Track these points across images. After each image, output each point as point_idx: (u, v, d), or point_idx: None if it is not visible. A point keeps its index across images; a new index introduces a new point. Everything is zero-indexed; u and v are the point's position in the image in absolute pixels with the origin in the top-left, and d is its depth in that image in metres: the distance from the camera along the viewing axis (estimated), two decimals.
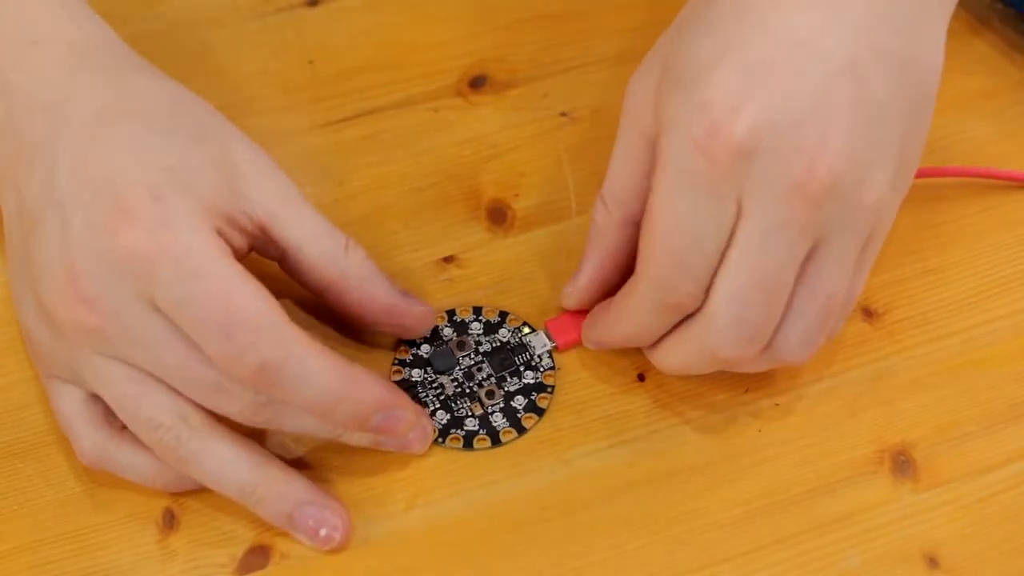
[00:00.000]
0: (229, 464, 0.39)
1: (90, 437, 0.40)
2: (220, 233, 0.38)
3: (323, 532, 0.40)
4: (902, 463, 0.42)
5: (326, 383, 0.38)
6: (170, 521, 0.41)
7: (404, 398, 0.40)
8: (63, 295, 0.38)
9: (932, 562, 0.40)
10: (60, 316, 0.38)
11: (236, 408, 0.39)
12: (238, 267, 0.38)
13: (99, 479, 0.41)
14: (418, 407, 0.41)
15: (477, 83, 0.51)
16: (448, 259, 0.47)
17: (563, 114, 0.50)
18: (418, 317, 0.43)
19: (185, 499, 0.41)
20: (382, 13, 0.53)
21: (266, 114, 0.50)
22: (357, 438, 0.41)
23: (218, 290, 0.37)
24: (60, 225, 0.38)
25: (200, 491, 0.41)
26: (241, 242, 0.40)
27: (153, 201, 0.38)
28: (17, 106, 0.41)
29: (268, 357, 0.37)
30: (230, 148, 0.41)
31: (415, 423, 0.40)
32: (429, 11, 0.53)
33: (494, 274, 0.46)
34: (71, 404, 0.40)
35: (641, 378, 0.44)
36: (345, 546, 0.40)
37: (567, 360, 0.44)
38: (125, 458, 0.40)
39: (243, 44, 0.52)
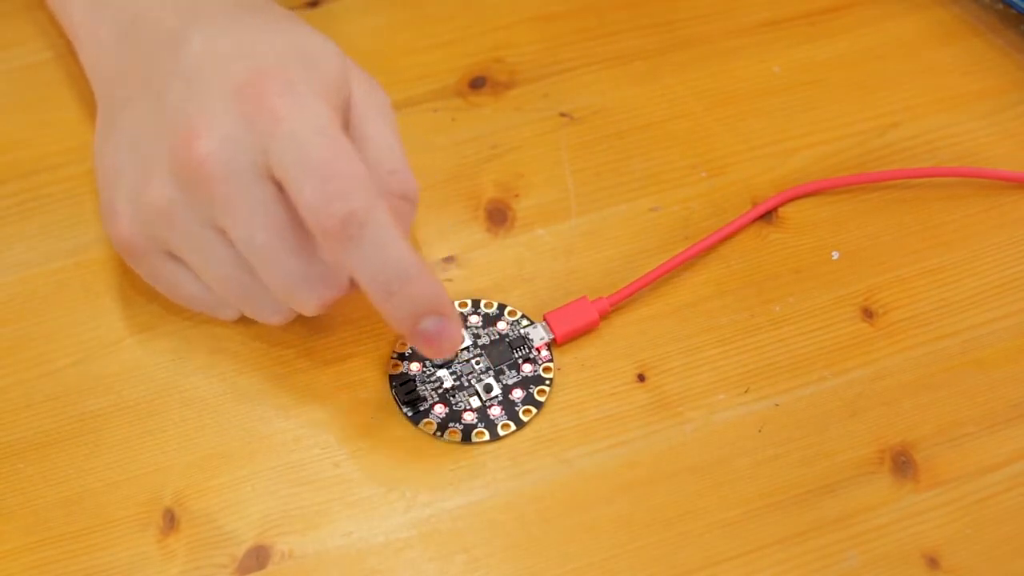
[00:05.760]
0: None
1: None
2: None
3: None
4: (902, 463, 0.42)
5: (401, 254, 0.38)
6: (170, 521, 0.41)
7: (456, 313, 0.40)
8: (183, 149, 0.39)
9: (932, 562, 0.40)
10: (179, 168, 0.39)
11: (311, 300, 0.40)
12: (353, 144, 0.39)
13: (99, 479, 0.42)
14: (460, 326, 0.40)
15: (477, 83, 0.51)
16: (448, 259, 0.47)
17: (563, 114, 0.50)
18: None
19: (185, 499, 0.41)
20: (382, 13, 0.53)
21: None
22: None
23: (335, 147, 0.38)
24: (184, 90, 0.40)
25: (199, 491, 0.41)
26: None
27: (282, 69, 0.39)
28: (147, 13, 0.43)
29: (356, 208, 0.37)
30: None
31: (457, 343, 0.40)
32: (429, 11, 0.53)
33: (494, 274, 0.46)
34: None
35: (641, 378, 0.44)
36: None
37: (567, 360, 0.44)
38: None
39: None
